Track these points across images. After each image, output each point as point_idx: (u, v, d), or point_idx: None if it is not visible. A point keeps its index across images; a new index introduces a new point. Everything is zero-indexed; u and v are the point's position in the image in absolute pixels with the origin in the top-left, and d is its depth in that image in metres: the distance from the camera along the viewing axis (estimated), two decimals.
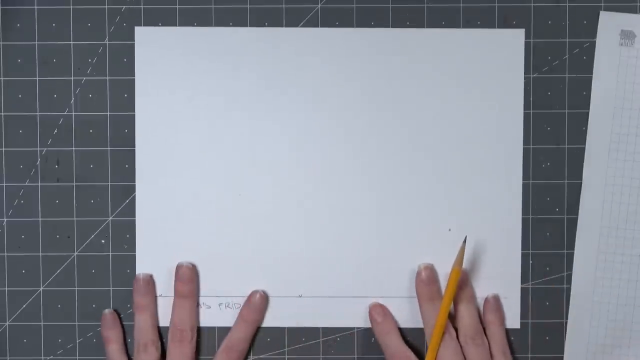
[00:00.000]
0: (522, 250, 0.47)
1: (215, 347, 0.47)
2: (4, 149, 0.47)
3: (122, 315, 0.47)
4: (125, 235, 0.47)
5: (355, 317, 0.47)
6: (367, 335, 0.47)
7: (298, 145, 0.47)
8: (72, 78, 0.47)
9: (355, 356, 0.47)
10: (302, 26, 0.47)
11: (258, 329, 0.47)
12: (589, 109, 0.47)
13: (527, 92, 0.47)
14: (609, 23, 0.46)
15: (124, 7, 0.47)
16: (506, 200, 0.47)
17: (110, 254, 0.47)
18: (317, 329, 0.47)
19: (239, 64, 0.47)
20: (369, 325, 0.47)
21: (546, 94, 0.47)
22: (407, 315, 0.47)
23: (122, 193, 0.47)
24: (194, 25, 0.47)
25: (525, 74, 0.47)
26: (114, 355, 0.45)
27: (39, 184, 0.47)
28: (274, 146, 0.47)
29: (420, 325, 0.47)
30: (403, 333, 0.47)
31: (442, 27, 0.47)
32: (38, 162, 0.47)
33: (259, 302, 0.46)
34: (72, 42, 0.47)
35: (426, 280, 0.45)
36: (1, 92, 0.47)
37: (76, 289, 0.47)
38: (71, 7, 0.47)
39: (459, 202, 0.47)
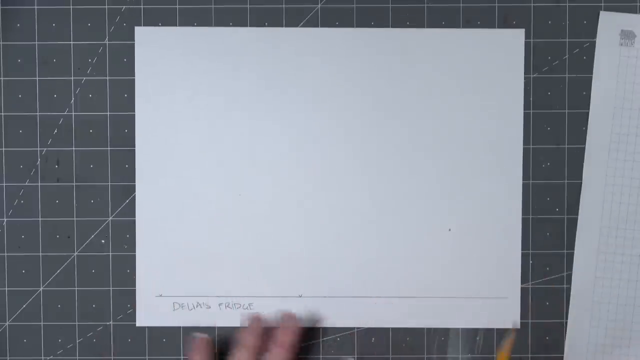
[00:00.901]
0: (522, 250, 0.47)
1: (215, 347, 0.47)
2: (4, 149, 0.47)
3: (121, 316, 0.47)
4: (125, 235, 0.47)
5: (355, 317, 0.47)
6: (367, 335, 0.47)
7: (298, 145, 0.47)
8: (72, 78, 0.47)
9: (355, 356, 0.47)
10: (302, 26, 0.47)
11: None
12: (589, 109, 0.47)
13: (527, 92, 0.47)
14: (609, 23, 0.46)
15: (124, 7, 0.47)
16: (506, 200, 0.47)
17: (110, 254, 0.47)
18: (317, 329, 0.47)
19: (239, 64, 0.47)
20: (369, 325, 0.47)
21: (546, 94, 0.47)
22: (406, 315, 0.47)
23: (122, 193, 0.47)
24: (194, 25, 0.47)
25: (525, 74, 0.47)
26: None
27: (39, 184, 0.47)
28: (274, 146, 0.47)
29: (421, 325, 0.47)
30: (403, 333, 0.47)
31: (442, 27, 0.47)
32: (38, 162, 0.47)
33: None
34: (72, 42, 0.47)
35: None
36: (1, 92, 0.47)
37: (76, 289, 0.47)
38: (71, 7, 0.47)
39: (459, 202, 0.47)
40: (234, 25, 0.47)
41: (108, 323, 0.47)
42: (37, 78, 0.47)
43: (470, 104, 0.47)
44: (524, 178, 0.47)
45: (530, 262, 0.47)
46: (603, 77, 0.46)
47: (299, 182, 0.47)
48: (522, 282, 0.47)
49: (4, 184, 0.47)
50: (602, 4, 0.47)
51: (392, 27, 0.47)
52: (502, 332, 0.47)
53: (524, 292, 0.47)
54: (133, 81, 0.47)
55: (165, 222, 0.47)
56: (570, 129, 0.47)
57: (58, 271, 0.47)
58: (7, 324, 0.47)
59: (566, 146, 0.47)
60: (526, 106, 0.47)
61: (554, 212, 0.47)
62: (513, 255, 0.47)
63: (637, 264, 0.46)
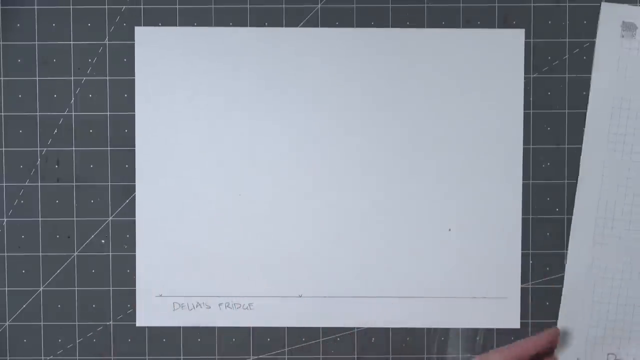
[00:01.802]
0: (522, 250, 0.47)
1: (215, 347, 0.47)
2: (4, 149, 0.47)
3: (121, 316, 0.47)
4: (125, 235, 0.47)
5: (355, 317, 0.47)
6: (367, 335, 0.47)
7: (298, 145, 0.47)
8: (72, 78, 0.47)
9: (355, 356, 0.47)
10: (302, 26, 0.47)
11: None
12: (588, 104, 0.47)
13: (527, 92, 0.47)
14: (611, 15, 0.46)
15: (124, 7, 0.47)
16: (506, 200, 0.47)
17: (110, 254, 0.47)
18: (317, 329, 0.47)
19: (239, 64, 0.47)
20: (369, 325, 0.47)
21: (546, 94, 0.47)
22: (406, 315, 0.47)
23: (122, 193, 0.47)
24: (194, 25, 0.47)
25: (525, 74, 0.47)
26: None
27: (39, 184, 0.47)
28: (274, 146, 0.47)
29: (421, 325, 0.47)
30: (403, 333, 0.47)
31: (442, 27, 0.47)
32: (38, 162, 0.47)
33: None
34: (72, 42, 0.47)
35: None
36: (1, 92, 0.47)
37: (76, 289, 0.47)
38: (71, 7, 0.47)
39: (459, 202, 0.47)
40: (234, 25, 0.47)
41: (108, 323, 0.47)
42: (37, 78, 0.47)
43: (470, 104, 0.47)
44: (524, 178, 0.47)
45: (530, 262, 0.47)
46: (603, 68, 0.46)
47: (299, 182, 0.47)
48: (522, 282, 0.47)
49: (4, 184, 0.47)
50: (602, 3, 0.47)
51: (392, 27, 0.47)
52: (502, 332, 0.47)
53: (524, 292, 0.47)
54: (133, 81, 0.47)
55: (165, 222, 0.47)
56: (570, 129, 0.47)
57: (58, 271, 0.47)
58: (7, 324, 0.47)
59: (566, 146, 0.47)
60: (526, 106, 0.47)
61: (554, 212, 0.47)
62: (513, 255, 0.47)
63: (630, 263, 0.46)
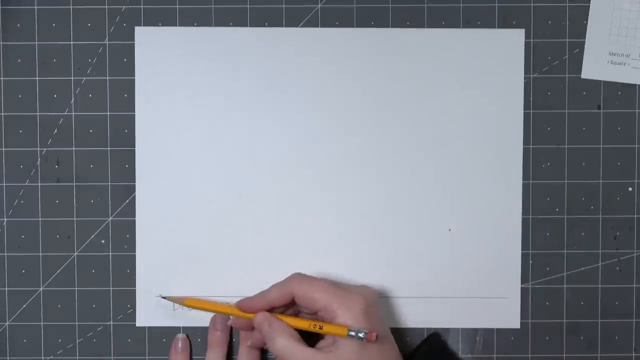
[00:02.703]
0: (522, 250, 0.47)
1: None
2: (4, 149, 0.47)
3: (121, 316, 0.47)
4: (125, 235, 0.47)
5: None
6: None
7: (298, 145, 0.47)
8: (72, 78, 0.47)
9: None
10: (302, 26, 0.47)
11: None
12: (588, 109, 0.47)
13: (527, 92, 0.47)
14: None
15: (124, 7, 0.47)
16: (506, 200, 0.47)
17: (110, 254, 0.47)
18: None
19: (239, 64, 0.47)
20: None
21: (546, 94, 0.47)
22: (407, 315, 0.47)
23: (122, 193, 0.47)
24: (194, 25, 0.47)
25: (525, 74, 0.47)
26: None
27: (39, 184, 0.47)
28: (274, 146, 0.47)
29: (421, 325, 0.47)
30: (403, 333, 0.47)
31: (442, 27, 0.47)
32: (38, 162, 0.47)
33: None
34: (72, 42, 0.47)
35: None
36: (1, 92, 0.47)
37: (76, 289, 0.47)
38: (71, 7, 0.47)
39: (459, 202, 0.47)
40: (234, 25, 0.47)
41: (108, 323, 0.47)
42: (37, 78, 0.47)
43: (470, 104, 0.47)
44: (524, 178, 0.47)
45: (530, 262, 0.47)
46: None
47: (299, 182, 0.47)
48: (522, 282, 0.47)
49: (4, 184, 0.47)
50: None
51: (392, 27, 0.47)
52: (502, 332, 0.47)
53: (524, 292, 0.47)
54: (133, 81, 0.47)
55: (165, 222, 0.47)
56: (570, 129, 0.47)
57: (58, 271, 0.47)
58: (7, 324, 0.47)
59: (566, 146, 0.47)
60: (526, 106, 0.47)
61: (554, 212, 0.47)
62: (513, 255, 0.47)
63: None
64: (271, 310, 0.42)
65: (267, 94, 0.47)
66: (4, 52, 0.47)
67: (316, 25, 0.47)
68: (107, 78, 0.47)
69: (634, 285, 0.47)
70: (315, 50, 0.47)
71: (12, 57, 0.47)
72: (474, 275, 0.47)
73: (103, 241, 0.47)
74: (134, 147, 0.47)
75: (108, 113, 0.47)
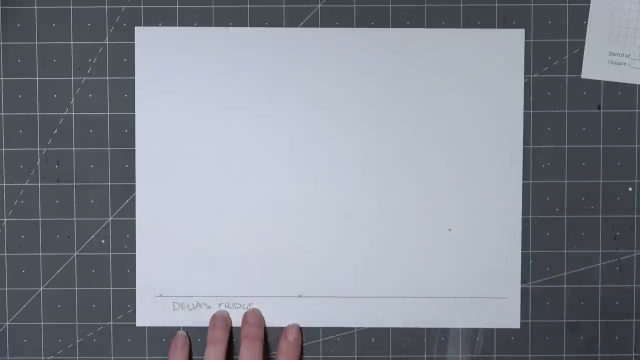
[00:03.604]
0: (522, 250, 0.47)
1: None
2: (4, 149, 0.47)
3: (121, 316, 0.47)
4: (125, 235, 0.47)
5: (355, 317, 0.47)
6: (367, 335, 0.47)
7: (298, 145, 0.47)
8: (72, 78, 0.47)
9: (355, 356, 0.47)
10: (302, 26, 0.47)
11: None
12: (588, 109, 0.47)
13: (527, 92, 0.47)
14: None
15: (124, 7, 0.47)
16: (506, 200, 0.47)
17: (110, 254, 0.47)
18: (317, 329, 0.47)
19: (239, 64, 0.47)
20: (369, 325, 0.47)
21: (546, 94, 0.47)
22: (407, 315, 0.47)
23: (122, 193, 0.47)
24: (194, 25, 0.47)
25: (525, 74, 0.47)
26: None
27: (39, 184, 0.47)
28: (274, 146, 0.47)
29: (421, 325, 0.47)
30: (403, 333, 0.47)
31: (442, 27, 0.47)
32: (38, 162, 0.47)
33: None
34: (72, 42, 0.47)
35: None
36: (1, 92, 0.47)
37: (76, 289, 0.47)
38: (71, 7, 0.47)
39: (459, 202, 0.47)
40: (234, 25, 0.47)
41: (108, 323, 0.47)
42: (37, 78, 0.47)
43: (470, 104, 0.47)
44: (524, 178, 0.47)
45: (530, 262, 0.47)
46: None
47: (299, 182, 0.47)
48: (522, 282, 0.47)
49: (4, 184, 0.47)
50: None
51: (392, 27, 0.47)
52: (502, 332, 0.47)
53: (524, 292, 0.47)
54: (133, 81, 0.47)
55: (165, 222, 0.47)
56: (570, 129, 0.47)
57: (58, 271, 0.47)
58: (7, 324, 0.47)
59: (566, 146, 0.47)
60: (526, 106, 0.47)
61: (554, 212, 0.47)
62: (513, 255, 0.47)
63: None
64: None
65: (267, 94, 0.47)
66: (4, 52, 0.47)
67: (316, 25, 0.47)
68: (107, 78, 0.47)
69: (634, 285, 0.47)
70: (315, 50, 0.47)
71: (12, 57, 0.47)
72: (474, 275, 0.47)
73: (103, 241, 0.47)
74: (134, 147, 0.47)
75: (108, 113, 0.47)
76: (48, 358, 0.47)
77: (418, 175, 0.47)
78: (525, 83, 0.47)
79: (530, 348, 0.47)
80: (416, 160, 0.47)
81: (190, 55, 0.47)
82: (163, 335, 0.47)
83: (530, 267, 0.47)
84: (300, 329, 0.47)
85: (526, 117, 0.47)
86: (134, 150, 0.47)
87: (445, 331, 0.47)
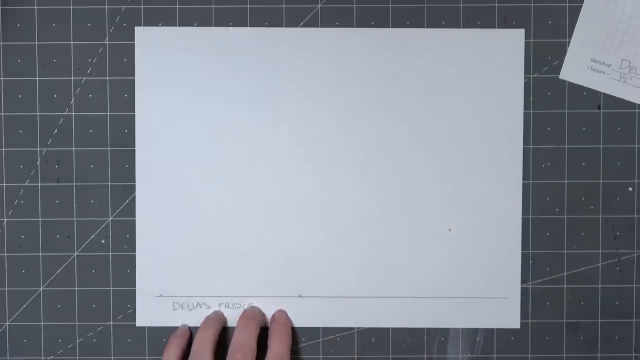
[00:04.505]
0: (522, 250, 0.47)
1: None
2: (4, 149, 0.47)
3: (121, 316, 0.47)
4: (125, 235, 0.47)
5: (355, 317, 0.47)
6: (367, 335, 0.47)
7: (298, 145, 0.47)
8: (72, 78, 0.47)
9: (355, 356, 0.47)
10: (302, 26, 0.47)
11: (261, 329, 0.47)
12: (588, 109, 0.47)
13: (527, 92, 0.47)
14: None
15: (124, 7, 0.47)
16: (506, 200, 0.47)
17: (110, 254, 0.47)
18: (317, 329, 0.47)
19: (239, 64, 0.47)
20: (369, 325, 0.47)
21: (546, 94, 0.47)
22: (407, 315, 0.47)
23: (122, 193, 0.47)
24: (194, 25, 0.47)
25: (525, 74, 0.47)
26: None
27: (39, 184, 0.47)
28: (274, 146, 0.47)
29: (421, 325, 0.47)
30: (403, 333, 0.47)
31: (442, 27, 0.47)
32: (38, 162, 0.47)
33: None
34: (72, 42, 0.47)
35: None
36: (1, 92, 0.47)
37: (76, 289, 0.47)
38: (71, 7, 0.47)
39: (459, 202, 0.47)
40: (234, 25, 0.47)
41: (108, 323, 0.47)
42: (37, 78, 0.47)
43: (470, 104, 0.47)
44: (524, 178, 0.47)
45: (530, 262, 0.47)
46: None
47: (299, 182, 0.47)
48: (522, 282, 0.47)
49: (4, 184, 0.47)
50: None
51: (392, 27, 0.47)
52: (502, 332, 0.47)
53: (524, 292, 0.47)
54: (133, 81, 0.47)
55: (165, 222, 0.47)
56: (570, 129, 0.47)
57: (58, 271, 0.47)
58: (7, 324, 0.47)
59: (566, 146, 0.47)
60: (526, 106, 0.47)
61: (554, 212, 0.47)
62: (513, 255, 0.47)
63: None
64: None
65: (267, 93, 0.47)
66: (4, 52, 0.47)
67: (316, 25, 0.47)
68: (107, 78, 0.47)
69: (634, 285, 0.47)
70: (315, 50, 0.47)
71: (12, 57, 0.47)
72: (474, 275, 0.47)
73: (103, 241, 0.47)
74: (134, 147, 0.47)
75: (108, 113, 0.47)
76: (48, 358, 0.47)
77: (418, 175, 0.47)
78: (525, 83, 0.47)
79: (530, 348, 0.47)
80: (416, 160, 0.47)
81: (190, 55, 0.47)
82: (163, 335, 0.47)
83: (530, 267, 0.47)
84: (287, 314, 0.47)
85: (526, 117, 0.47)
86: (134, 150, 0.47)
87: (445, 331, 0.47)
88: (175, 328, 0.47)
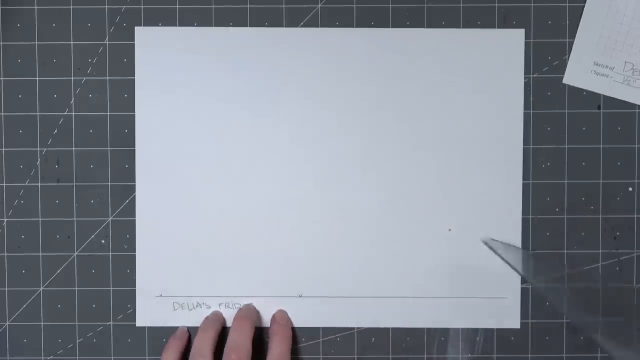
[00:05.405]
0: (521, 250, 0.47)
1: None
2: (4, 149, 0.47)
3: (121, 316, 0.47)
4: (125, 235, 0.47)
5: (355, 317, 0.47)
6: (367, 335, 0.47)
7: (298, 145, 0.47)
8: (72, 78, 0.47)
9: (355, 356, 0.47)
10: (302, 26, 0.47)
11: (256, 329, 0.47)
12: (588, 109, 0.47)
13: (527, 92, 0.47)
14: None
15: (124, 7, 0.47)
16: (506, 200, 0.47)
17: (110, 254, 0.47)
18: (317, 329, 0.47)
19: (239, 64, 0.47)
20: (369, 325, 0.47)
21: (546, 94, 0.47)
22: (407, 315, 0.47)
23: (122, 193, 0.47)
24: (194, 25, 0.47)
25: (525, 74, 0.47)
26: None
27: (39, 184, 0.47)
28: (274, 146, 0.47)
29: (421, 325, 0.47)
30: (403, 333, 0.47)
31: (442, 27, 0.47)
32: (38, 162, 0.47)
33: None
34: (72, 42, 0.47)
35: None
36: (1, 92, 0.47)
37: (76, 289, 0.47)
38: (71, 7, 0.47)
39: (459, 202, 0.47)
40: (234, 25, 0.47)
41: (108, 323, 0.47)
42: (37, 78, 0.47)
43: (470, 104, 0.47)
44: (524, 178, 0.47)
45: None
46: None
47: (299, 182, 0.47)
48: (522, 282, 0.47)
49: (4, 184, 0.47)
50: None
51: (392, 27, 0.47)
52: (502, 332, 0.47)
53: (524, 292, 0.47)
54: (133, 81, 0.47)
55: (165, 222, 0.47)
56: (570, 129, 0.47)
57: (58, 271, 0.47)
58: (7, 324, 0.47)
59: (566, 146, 0.47)
60: (526, 106, 0.47)
61: (554, 212, 0.47)
62: None
63: None
64: None
65: (267, 94, 0.47)
66: (4, 52, 0.47)
67: (316, 25, 0.47)
68: (107, 78, 0.47)
69: (634, 285, 0.47)
70: (315, 50, 0.47)
71: (12, 57, 0.47)
72: (474, 275, 0.47)
73: (103, 241, 0.47)
74: (134, 147, 0.47)
75: (108, 113, 0.47)
76: (48, 358, 0.47)
77: (418, 175, 0.47)
78: (525, 83, 0.47)
79: (530, 348, 0.47)
80: (416, 160, 0.47)
81: (190, 55, 0.47)
82: (163, 335, 0.47)
83: None
84: (288, 314, 0.47)
85: (526, 117, 0.47)
86: (134, 150, 0.47)
87: (445, 331, 0.47)
88: (175, 328, 0.47)
